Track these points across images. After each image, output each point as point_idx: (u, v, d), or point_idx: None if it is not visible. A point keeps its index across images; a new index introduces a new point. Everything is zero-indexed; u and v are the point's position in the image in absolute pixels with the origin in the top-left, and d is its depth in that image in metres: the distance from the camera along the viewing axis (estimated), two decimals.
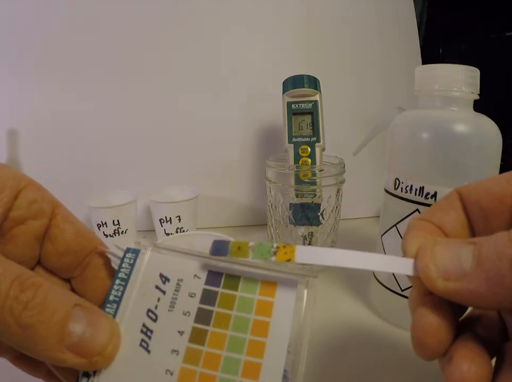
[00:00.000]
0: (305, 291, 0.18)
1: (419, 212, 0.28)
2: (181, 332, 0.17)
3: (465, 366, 0.14)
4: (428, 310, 0.15)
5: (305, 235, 0.40)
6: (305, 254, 0.16)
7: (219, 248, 0.18)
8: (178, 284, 0.18)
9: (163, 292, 0.18)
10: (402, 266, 0.16)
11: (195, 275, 0.19)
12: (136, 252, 0.19)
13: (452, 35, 0.76)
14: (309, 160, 0.40)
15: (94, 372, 0.16)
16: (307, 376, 0.26)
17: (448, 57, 0.76)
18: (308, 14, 0.57)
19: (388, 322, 0.32)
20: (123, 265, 0.19)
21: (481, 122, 0.27)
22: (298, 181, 0.39)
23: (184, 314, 0.18)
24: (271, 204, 0.42)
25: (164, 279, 0.18)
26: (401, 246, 0.17)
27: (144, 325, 0.17)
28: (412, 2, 0.63)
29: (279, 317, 0.17)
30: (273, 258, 0.16)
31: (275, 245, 0.17)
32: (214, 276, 0.18)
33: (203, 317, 0.17)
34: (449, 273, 0.14)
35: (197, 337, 0.17)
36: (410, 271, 0.16)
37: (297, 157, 0.40)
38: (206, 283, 0.18)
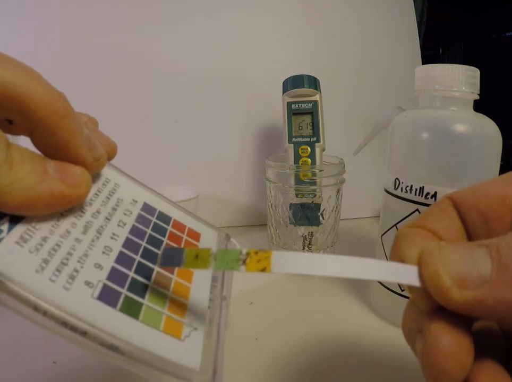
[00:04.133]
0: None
1: (419, 212, 0.28)
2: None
3: None
4: (444, 327, 0.12)
5: (305, 235, 0.40)
6: (283, 262, 0.13)
7: (171, 257, 0.16)
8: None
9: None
10: (404, 274, 0.13)
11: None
12: None
13: (452, 35, 0.76)
14: (309, 160, 0.40)
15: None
16: (305, 375, 0.26)
17: (448, 57, 0.76)
18: (308, 13, 0.57)
19: (388, 322, 0.32)
20: None
21: (482, 122, 0.27)
22: (298, 181, 0.39)
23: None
24: (271, 204, 0.42)
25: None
26: (393, 255, 0.14)
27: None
28: (412, 2, 0.63)
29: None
30: (243, 268, 0.14)
31: (244, 251, 0.14)
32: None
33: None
34: (465, 280, 0.12)
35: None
36: (414, 280, 0.12)
37: (297, 157, 0.40)
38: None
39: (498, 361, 0.13)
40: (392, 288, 0.31)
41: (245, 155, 0.55)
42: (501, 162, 0.28)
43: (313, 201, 0.39)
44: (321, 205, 0.40)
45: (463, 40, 0.76)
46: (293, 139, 0.40)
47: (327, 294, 0.37)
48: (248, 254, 0.14)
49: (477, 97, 0.28)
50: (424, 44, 0.64)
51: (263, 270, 0.13)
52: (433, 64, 0.28)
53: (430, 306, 0.13)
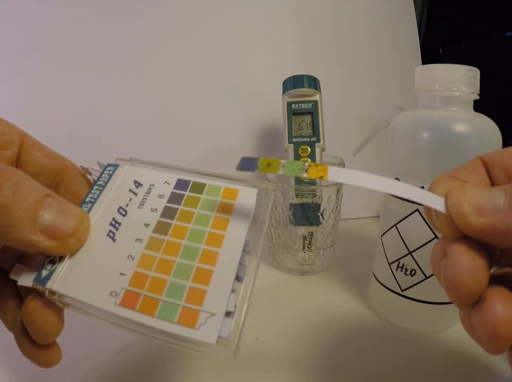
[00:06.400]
0: (264, 199, 0.20)
1: (419, 212, 0.28)
2: (147, 225, 0.19)
3: (500, 306, 0.13)
4: (464, 246, 0.14)
5: (305, 235, 0.40)
6: (336, 173, 0.17)
7: (247, 164, 0.18)
8: (149, 188, 0.20)
9: (135, 194, 0.20)
10: (433, 201, 0.15)
11: (166, 182, 0.21)
12: (115, 166, 0.21)
13: (452, 35, 0.76)
14: (309, 160, 0.40)
15: (60, 259, 0.17)
16: (305, 375, 0.26)
17: (448, 57, 0.76)
18: (308, 13, 0.57)
19: (388, 322, 0.32)
20: (102, 176, 0.21)
21: (482, 122, 0.27)
22: (298, 181, 0.39)
23: (152, 210, 0.19)
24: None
25: (138, 184, 0.20)
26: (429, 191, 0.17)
27: (113, 219, 0.19)
28: (412, 2, 0.63)
29: (239, 216, 0.19)
30: (305, 175, 0.17)
31: (307, 163, 0.17)
32: (182, 182, 0.21)
33: (168, 213, 0.19)
34: (482, 208, 0.14)
35: (161, 228, 0.19)
36: (441, 208, 0.15)
37: (297, 157, 0.40)
38: (175, 187, 0.20)
39: None
40: (392, 288, 0.31)
41: (245, 155, 0.55)
42: None
43: (313, 201, 0.39)
44: (321, 205, 0.40)
45: (463, 40, 0.76)
46: (293, 139, 0.40)
47: (327, 294, 0.37)
48: (310, 165, 0.17)
49: (477, 97, 0.28)
50: (424, 44, 0.64)
51: (321, 177, 0.17)
52: (433, 65, 0.28)
53: (454, 233, 0.15)
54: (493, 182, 0.17)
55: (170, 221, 0.19)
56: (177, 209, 0.19)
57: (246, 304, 0.17)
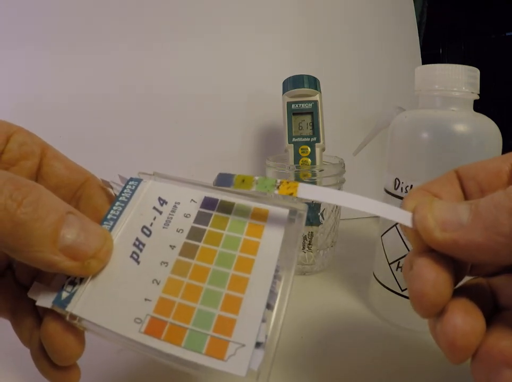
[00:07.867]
0: (294, 220, 0.18)
1: None
2: (172, 247, 0.18)
3: (459, 318, 0.14)
4: (428, 260, 0.15)
5: (305, 235, 0.40)
6: (306, 190, 0.17)
7: (223, 180, 0.19)
8: (174, 206, 0.19)
9: (160, 212, 0.19)
10: (401, 216, 0.16)
11: (192, 200, 0.20)
12: (138, 180, 0.20)
13: (452, 35, 0.76)
14: (309, 160, 0.40)
15: (81, 280, 0.17)
16: (305, 375, 0.26)
17: (448, 57, 0.76)
18: (308, 14, 0.57)
19: (388, 322, 0.32)
20: (124, 191, 0.20)
21: (481, 122, 0.27)
22: (298, 180, 0.39)
23: (178, 231, 0.18)
24: None
25: (162, 202, 0.20)
26: (401, 207, 0.17)
27: (137, 239, 0.18)
28: (412, 2, 0.63)
29: (269, 239, 0.18)
30: (276, 191, 0.17)
31: (279, 180, 0.18)
32: (209, 201, 0.20)
33: (195, 234, 0.18)
34: (446, 224, 0.14)
35: (188, 251, 0.18)
36: (408, 223, 0.16)
37: (297, 157, 0.40)
38: (202, 206, 0.19)
39: (485, 314, 0.15)
40: (392, 288, 0.31)
41: (245, 155, 0.55)
42: None
43: (313, 201, 0.39)
44: (321, 205, 0.40)
45: (463, 40, 0.76)
46: (293, 139, 0.40)
47: (327, 294, 0.37)
48: (281, 182, 0.17)
49: (477, 97, 0.28)
50: (424, 44, 0.64)
51: (291, 194, 0.17)
52: (433, 65, 0.28)
53: (420, 246, 0.15)
54: (466, 195, 0.17)
55: (197, 243, 0.18)
56: (204, 230, 0.18)
57: (278, 334, 0.16)
